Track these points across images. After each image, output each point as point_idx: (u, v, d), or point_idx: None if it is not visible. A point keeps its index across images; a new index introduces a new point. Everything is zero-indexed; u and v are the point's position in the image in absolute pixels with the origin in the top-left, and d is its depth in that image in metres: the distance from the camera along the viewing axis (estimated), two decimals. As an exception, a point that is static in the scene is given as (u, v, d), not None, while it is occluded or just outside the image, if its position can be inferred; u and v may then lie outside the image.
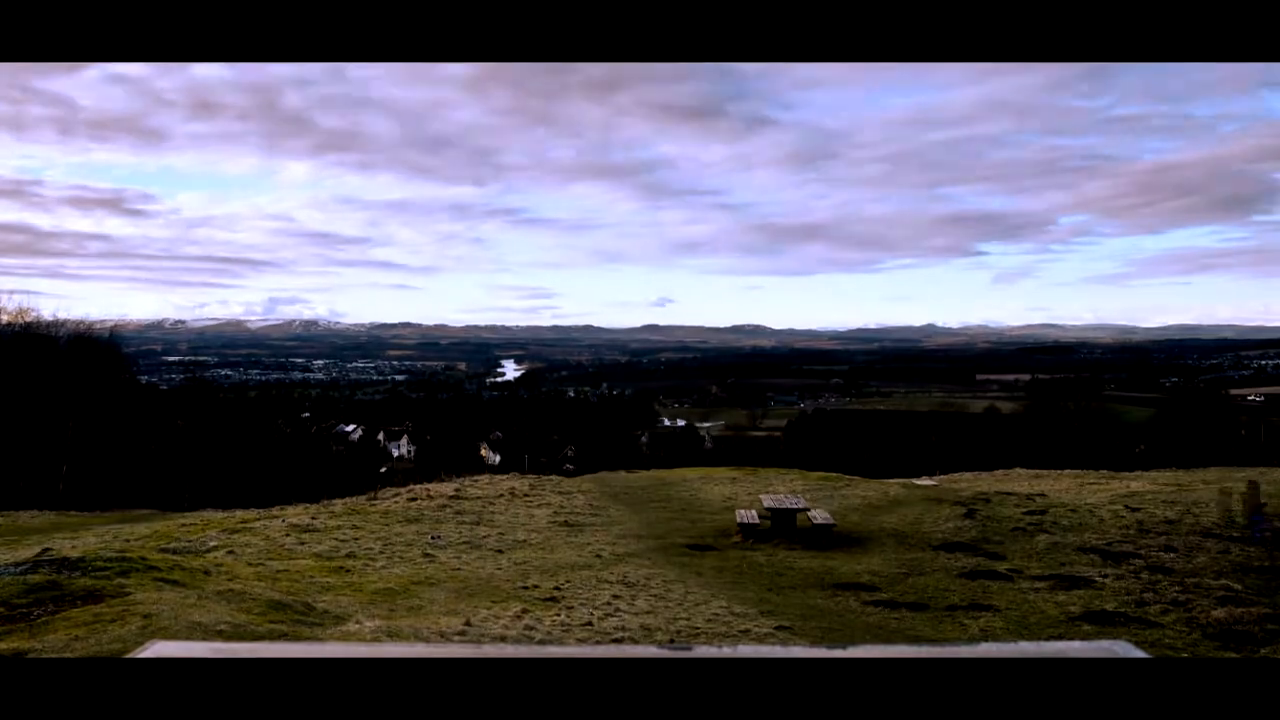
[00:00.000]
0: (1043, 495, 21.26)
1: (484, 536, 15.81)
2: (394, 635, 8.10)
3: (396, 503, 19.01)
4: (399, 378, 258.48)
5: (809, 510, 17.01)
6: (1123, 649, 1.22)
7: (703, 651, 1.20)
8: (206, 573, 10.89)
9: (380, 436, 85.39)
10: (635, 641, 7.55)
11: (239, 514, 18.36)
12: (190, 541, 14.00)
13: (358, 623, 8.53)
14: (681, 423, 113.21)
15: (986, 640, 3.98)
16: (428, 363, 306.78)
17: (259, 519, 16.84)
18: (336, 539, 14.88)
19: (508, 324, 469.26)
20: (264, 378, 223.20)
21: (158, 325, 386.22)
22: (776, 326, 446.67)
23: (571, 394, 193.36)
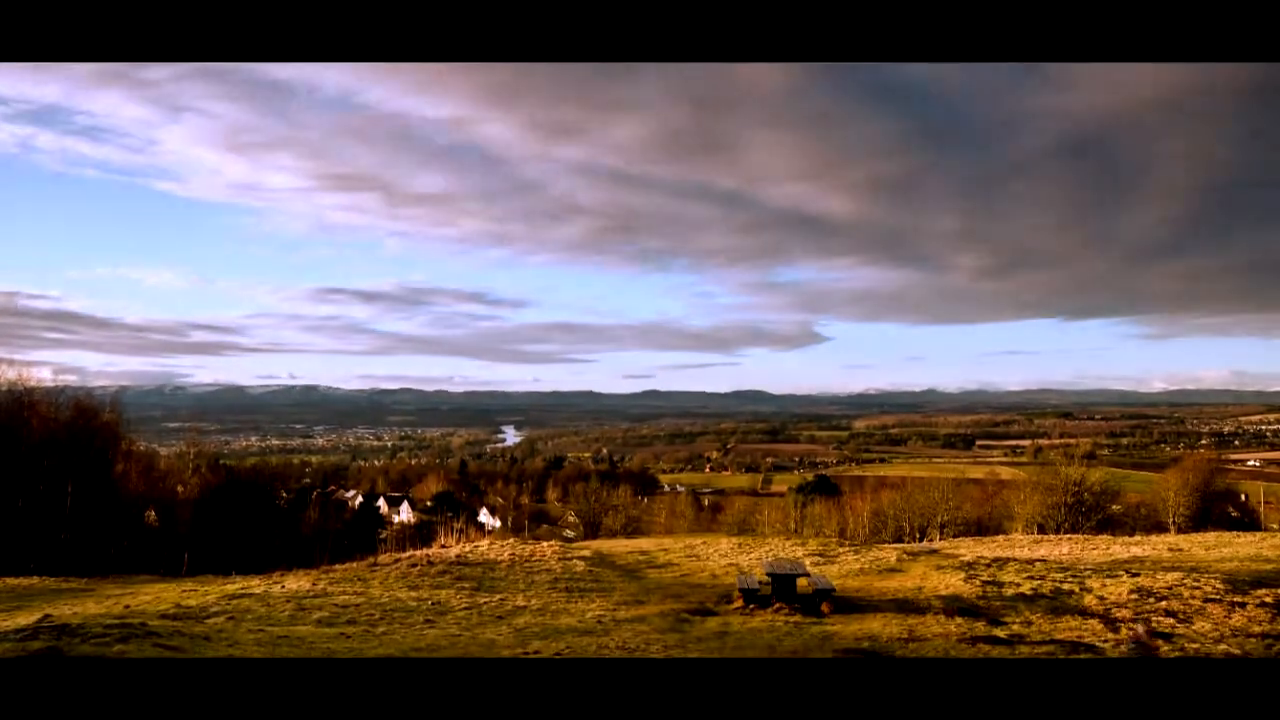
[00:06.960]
0: (1043, 560, 21.22)
1: (484, 602, 15.78)
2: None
3: (397, 568, 18.97)
4: (400, 443, 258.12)
5: (809, 575, 17.02)
6: None
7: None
8: (206, 639, 10.94)
9: (381, 502, 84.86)
10: None
11: (239, 580, 18.32)
12: (190, 607, 14.00)
13: (359, 688, 8.57)
14: (681, 488, 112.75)
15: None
16: (428, 428, 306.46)
17: (259, 585, 16.82)
18: (337, 605, 14.86)
19: (508, 390, 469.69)
20: (264, 443, 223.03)
21: (158, 390, 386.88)
22: (776, 392, 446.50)
23: (571, 459, 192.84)
